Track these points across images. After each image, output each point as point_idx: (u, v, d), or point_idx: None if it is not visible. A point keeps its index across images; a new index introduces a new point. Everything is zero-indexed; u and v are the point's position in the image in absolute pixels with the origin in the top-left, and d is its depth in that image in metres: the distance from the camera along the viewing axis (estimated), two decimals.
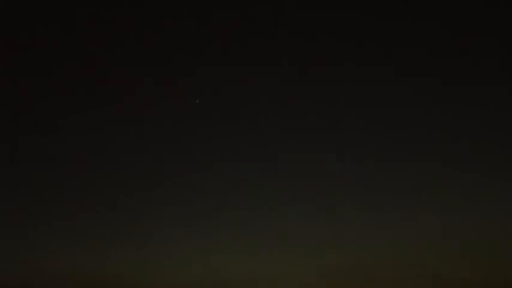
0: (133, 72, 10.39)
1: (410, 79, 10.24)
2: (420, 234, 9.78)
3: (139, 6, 10.17)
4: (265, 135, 10.42)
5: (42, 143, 10.42)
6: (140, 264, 9.92)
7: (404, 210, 10.00)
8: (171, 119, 10.50)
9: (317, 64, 10.33)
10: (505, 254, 9.46)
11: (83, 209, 10.25)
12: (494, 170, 9.88)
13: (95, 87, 10.45)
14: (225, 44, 10.33)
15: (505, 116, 10.00)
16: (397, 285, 9.51)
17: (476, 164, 9.95)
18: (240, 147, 10.43)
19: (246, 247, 10.01)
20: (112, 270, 9.80)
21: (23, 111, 10.45)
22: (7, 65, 10.22)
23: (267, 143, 10.41)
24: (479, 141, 10.03)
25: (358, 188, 10.20)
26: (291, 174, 10.37)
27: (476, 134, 10.07)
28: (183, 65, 10.41)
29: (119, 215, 10.26)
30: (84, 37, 10.30)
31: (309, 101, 10.43)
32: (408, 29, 10.13)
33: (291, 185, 10.32)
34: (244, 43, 10.32)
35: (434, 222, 9.80)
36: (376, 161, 10.24)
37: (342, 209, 10.11)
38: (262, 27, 10.26)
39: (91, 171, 10.39)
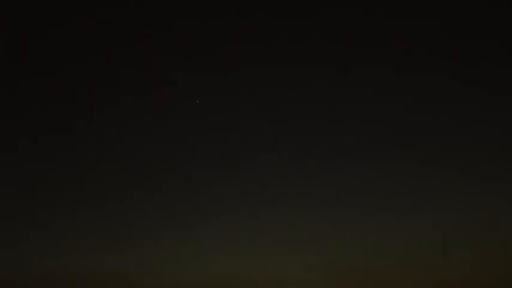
0: (133, 72, 10.41)
1: (411, 79, 10.26)
2: (420, 234, 9.80)
3: (139, 6, 10.18)
4: (265, 135, 10.44)
5: (42, 143, 10.44)
6: (140, 264, 9.92)
7: (404, 210, 10.01)
8: (171, 119, 10.52)
9: (316, 64, 10.34)
10: (505, 253, 9.47)
11: (83, 209, 10.26)
12: (494, 170, 9.90)
13: (95, 87, 10.46)
14: (226, 44, 10.35)
15: (505, 116, 10.02)
16: (397, 285, 9.52)
17: (476, 164, 9.96)
18: (240, 148, 10.45)
19: (245, 247, 10.03)
20: (112, 270, 9.80)
21: (23, 111, 10.46)
22: (7, 65, 10.23)
23: (267, 143, 10.43)
24: (480, 141, 10.05)
25: (358, 188, 10.22)
26: (291, 174, 10.40)
27: (476, 134, 10.09)
28: (183, 65, 10.43)
29: (119, 215, 10.27)
30: (84, 37, 10.31)
31: (308, 101, 10.45)
32: (408, 29, 10.14)
33: (291, 185, 10.34)
34: (245, 43, 10.34)
35: (434, 222, 9.82)
36: (376, 161, 10.26)
37: (342, 209, 10.13)
38: (262, 27, 10.28)
39: (91, 171, 10.40)
